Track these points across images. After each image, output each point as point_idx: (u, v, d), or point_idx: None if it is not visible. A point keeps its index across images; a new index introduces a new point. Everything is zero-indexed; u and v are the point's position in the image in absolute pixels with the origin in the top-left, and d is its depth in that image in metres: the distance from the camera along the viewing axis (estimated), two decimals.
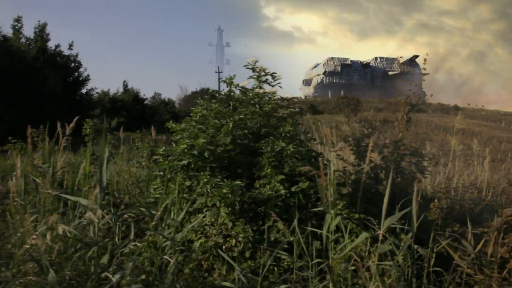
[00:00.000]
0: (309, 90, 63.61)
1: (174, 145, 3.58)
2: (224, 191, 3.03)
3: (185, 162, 3.23)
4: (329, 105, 51.08)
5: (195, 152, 3.24)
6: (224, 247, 2.98)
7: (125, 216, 2.83)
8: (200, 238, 3.16)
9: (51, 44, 20.91)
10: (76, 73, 22.01)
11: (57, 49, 20.54)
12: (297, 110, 3.56)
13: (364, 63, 65.32)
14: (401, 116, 4.36)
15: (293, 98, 3.71)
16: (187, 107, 35.90)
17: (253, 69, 3.68)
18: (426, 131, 38.04)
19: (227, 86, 3.52)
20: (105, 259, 2.35)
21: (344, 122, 41.26)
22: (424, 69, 4.56)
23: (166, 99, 38.20)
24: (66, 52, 21.17)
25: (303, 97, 57.95)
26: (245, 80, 3.72)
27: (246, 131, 3.44)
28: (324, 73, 62.80)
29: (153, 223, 2.46)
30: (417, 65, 68.05)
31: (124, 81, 35.05)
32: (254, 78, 3.78)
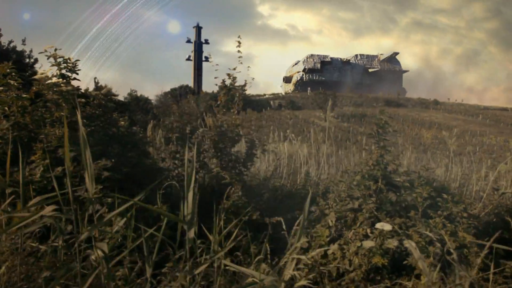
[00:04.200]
0: (289, 87, 63.68)
1: None
2: None
3: None
4: (308, 101, 51.32)
5: None
6: None
7: None
8: None
9: (4, 40, 20.52)
10: (31, 70, 21.66)
11: (10, 45, 20.26)
12: (70, 93, 3.53)
13: (344, 60, 65.56)
14: (219, 100, 4.40)
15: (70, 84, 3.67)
16: (163, 103, 36.55)
17: (48, 57, 3.67)
18: (402, 125, 38.26)
19: None
20: None
21: (319, 117, 41.37)
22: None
23: (139, 96, 38.06)
24: (19, 48, 20.78)
25: (283, 94, 58.09)
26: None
27: (27, 117, 3.45)
28: (304, 70, 62.92)
29: None
30: (397, 62, 68.41)
31: (95, 78, 34.67)
32: (55, 65, 3.77)
